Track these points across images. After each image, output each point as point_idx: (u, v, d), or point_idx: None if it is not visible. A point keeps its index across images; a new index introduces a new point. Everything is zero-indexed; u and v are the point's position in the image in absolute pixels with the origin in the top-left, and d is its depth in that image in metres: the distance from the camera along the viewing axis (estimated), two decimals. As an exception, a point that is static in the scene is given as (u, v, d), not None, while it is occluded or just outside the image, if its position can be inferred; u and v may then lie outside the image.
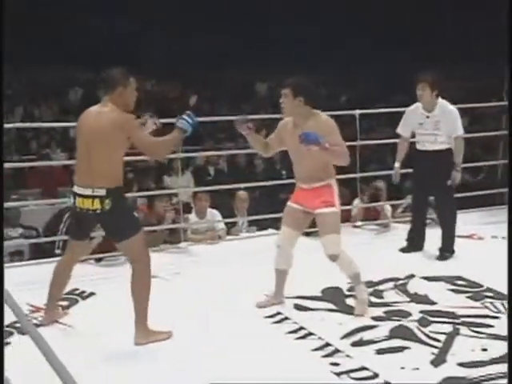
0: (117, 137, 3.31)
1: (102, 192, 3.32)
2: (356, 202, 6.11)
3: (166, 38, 18.12)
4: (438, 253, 5.05)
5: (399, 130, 5.19)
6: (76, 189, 3.40)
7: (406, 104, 5.24)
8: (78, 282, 4.21)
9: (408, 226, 5.33)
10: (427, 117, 4.96)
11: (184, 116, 3.48)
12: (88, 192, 3.34)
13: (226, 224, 5.78)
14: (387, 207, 6.10)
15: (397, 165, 5.17)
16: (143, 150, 3.43)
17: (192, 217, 5.64)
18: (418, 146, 5.09)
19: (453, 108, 4.97)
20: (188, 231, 5.55)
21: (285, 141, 3.89)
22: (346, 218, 5.71)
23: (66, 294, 4.02)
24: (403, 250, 5.19)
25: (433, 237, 5.12)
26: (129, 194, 4.89)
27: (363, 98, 13.07)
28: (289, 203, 3.95)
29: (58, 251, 4.92)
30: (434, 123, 4.92)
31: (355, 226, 6.01)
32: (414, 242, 5.19)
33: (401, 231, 5.52)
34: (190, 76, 15.60)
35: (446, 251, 5.04)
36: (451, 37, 16.65)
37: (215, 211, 5.73)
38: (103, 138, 3.31)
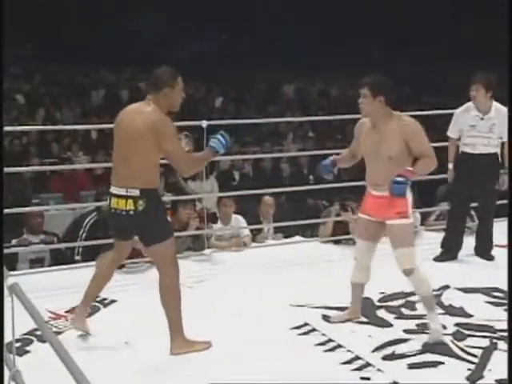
0: (149, 138, 3.22)
1: (136, 192, 3.26)
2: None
3: (192, 39, 18.18)
4: (477, 259, 4.97)
5: (449, 133, 5.08)
6: (112, 189, 3.36)
7: (437, 106, 5.11)
8: (100, 289, 4.14)
9: (441, 235, 5.16)
10: (481, 119, 4.84)
11: (218, 136, 3.41)
12: (122, 192, 3.29)
13: (252, 230, 5.66)
14: (416, 215, 5.91)
15: (450, 166, 5.06)
16: (173, 160, 3.32)
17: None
18: (468, 149, 4.94)
19: (506, 110, 4.84)
20: (212, 238, 5.44)
21: (360, 142, 3.70)
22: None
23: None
24: (437, 259, 5.01)
25: (469, 246, 4.98)
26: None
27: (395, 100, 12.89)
28: (360, 215, 3.79)
29: (77, 257, 4.86)
30: (490, 125, 4.83)
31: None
32: (450, 251, 5.02)
33: (433, 240, 5.33)
34: (216, 77, 15.57)
35: (487, 257, 4.97)
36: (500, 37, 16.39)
37: (240, 217, 5.62)
38: (137, 138, 3.24)
